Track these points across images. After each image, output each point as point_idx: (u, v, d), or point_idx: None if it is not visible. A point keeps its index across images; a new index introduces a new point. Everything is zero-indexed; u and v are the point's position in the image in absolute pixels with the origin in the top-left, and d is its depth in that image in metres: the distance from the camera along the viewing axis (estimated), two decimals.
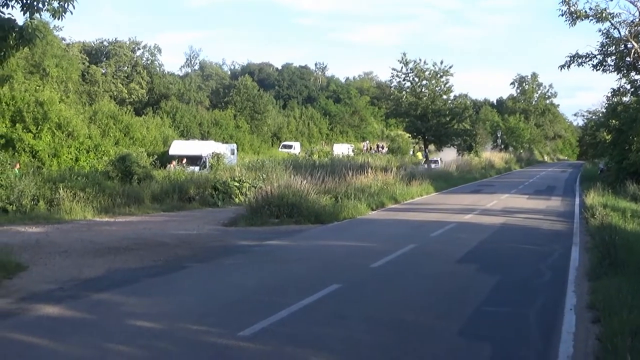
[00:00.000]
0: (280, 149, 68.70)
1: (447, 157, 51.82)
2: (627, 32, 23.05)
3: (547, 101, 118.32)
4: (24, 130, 37.07)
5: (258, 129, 75.21)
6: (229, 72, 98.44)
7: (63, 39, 67.65)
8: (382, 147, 77.22)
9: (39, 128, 37.56)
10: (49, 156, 36.91)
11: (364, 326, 8.74)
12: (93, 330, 8.59)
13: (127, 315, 9.21)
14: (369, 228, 20.53)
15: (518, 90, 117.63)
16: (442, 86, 48.50)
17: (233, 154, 49.38)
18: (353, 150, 68.85)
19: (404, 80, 48.63)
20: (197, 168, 38.62)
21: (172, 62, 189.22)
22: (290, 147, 68.91)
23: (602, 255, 13.26)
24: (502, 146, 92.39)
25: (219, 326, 8.55)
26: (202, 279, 12.33)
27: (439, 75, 48.08)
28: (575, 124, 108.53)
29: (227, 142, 55.49)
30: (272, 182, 23.57)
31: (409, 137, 51.22)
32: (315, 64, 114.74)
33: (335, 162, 40.08)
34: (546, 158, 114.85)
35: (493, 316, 9.47)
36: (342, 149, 66.29)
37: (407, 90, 48.47)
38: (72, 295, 10.53)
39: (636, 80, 27.49)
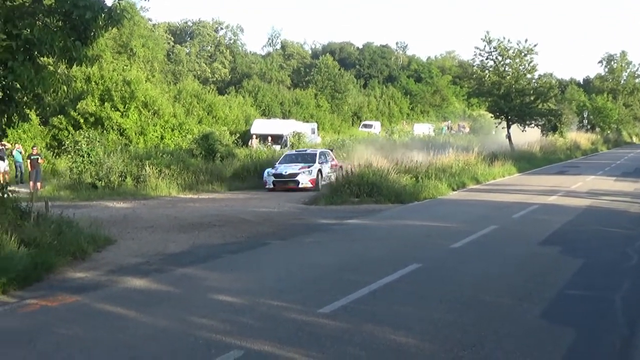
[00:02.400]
0: (360, 129, 68.59)
1: (531, 137, 50.68)
2: None
3: (637, 80, 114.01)
4: (112, 108, 38.21)
5: (338, 108, 75.30)
6: (310, 52, 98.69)
7: (149, 19, 69.23)
8: (464, 127, 76.17)
9: (126, 107, 38.64)
10: (135, 134, 37.97)
11: (443, 306, 8.69)
12: (177, 303, 8.85)
13: (209, 290, 9.44)
14: (449, 208, 20.33)
15: (606, 69, 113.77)
16: (526, 65, 47.36)
17: (314, 133, 49.62)
18: (434, 130, 68.16)
19: (486, 59, 47.71)
20: (278, 147, 39.02)
21: (254, 42, 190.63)
22: (370, 126, 68.71)
23: None
24: (589, 127, 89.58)
25: (299, 303, 8.66)
26: (283, 256, 12.49)
27: (523, 54, 46.95)
28: None
29: (307, 121, 55.79)
30: (352, 162, 23.60)
31: (491, 117, 50.15)
32: (397, 43, 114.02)
33: (415, 142, 39.78)
34: (635, 139, 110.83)
35: (576, 300, 9.25)
36: (422, 129, 65.71)
37: (490, 69, 47.55)
38: (158, 269, 10.86)
39: None
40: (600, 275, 10.81)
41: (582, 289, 9.86)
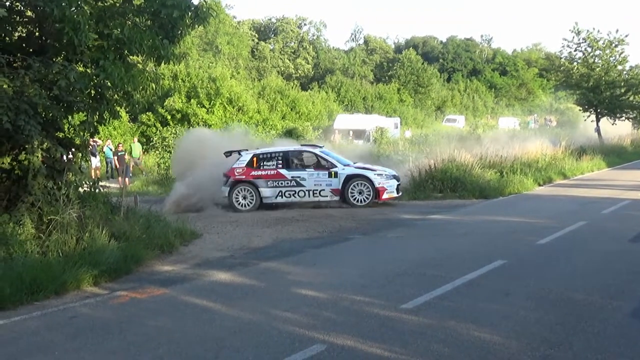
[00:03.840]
0: (444, 123, 67.86)
1: (621, 130, 49.03)
2: None
3: None
4: (198, 105, 39.02)
5: (422, 103, 74.73)
6: (393, 46, 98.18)
7: (234, 17, 70.30)
8: (551, 121, 74.34)
9: (211, 103, 39.40)
10: (221, 130, 38.67)
11: (529, 303, 8.50)
12: (261, 296, 8.97)
13: (292, 284, 9.53)
14: (535, 204, 19.87)
15: None
16: (617, 56, 45.85)
17: (397, 127, 49.38)
18: (519, 124, 66.75)
19: (575, 50, 46.41)
20: (361, 142, 39.00)
21: (337, 37, 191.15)
22: (454, 120, 67.88)
23: None
24: None
25: (381, 298, 8.64)
26: (365, 251, 12.49)
27: (613, 45, 45.46)
28: None
29: (390, 116, 55.54)
30: (436, 156, 23.37)
31: (579, 110, 48.73)
32: (481, 36, 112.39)
33: (501, 136, 39.06)
34: None
35: None
36: (508, 123, 64.45)
37: (579, 61, 46.24)
38: (242, 263, 11.04)
39: None
40: None
41: None
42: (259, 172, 19.29)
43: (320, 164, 19.59)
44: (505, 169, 24.80)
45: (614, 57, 45.80)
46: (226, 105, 39.88)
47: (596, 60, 45.70)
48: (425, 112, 73.29)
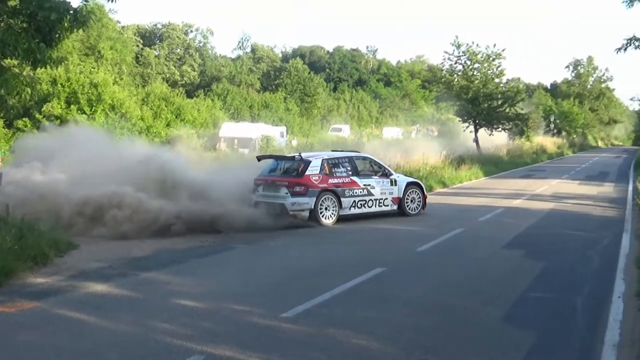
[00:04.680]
0: (329, 132, 68.66)
1: (498, 141, 51.16)
2: None
3: (603, 85, 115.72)
4: (79, 111, 37.86)
5: (308, 112, 75.35)
6: (280, 55, 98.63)
7: (118, 21, 68.68)
8: (432, 131, 76.59)
9: (93, 109, 38.32)
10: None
11: (407, 310, 8.71)
12: (139, 308, 8.76)
13: (172, 294, 9.36)
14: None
15: (573, 74, 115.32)
16: (494, 69, 47.79)
17: (283, 136, 49.59)
18: (403, 134, 68.45)
19: (455, 63, 48.06)
20: (246, 150, 38.92)
21: (224, 45, 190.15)
22: (339, 130, 68.80)
23: None
24: (555, 131, 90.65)
25: (262, 307, 8.62)
26: (248, 260, 12.45)
27: (491, 59, 47.35)
28: (631, 108, 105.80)
29: (277, 125, 55.72)
30: None
31: (459, 121, 50.43)
32: (367, 47, 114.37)
33: (384, 145, 39.91)
34: (600, 143, 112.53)
35: (538, 302, 9.33)
36: (391, 133, 65.99)
37: (459, 73, 47.88)
38: (121, 274, 10.75)
39: None
40: (561, 278, 10.92)
41: (543, 291, 9.95)
42: (336, 180, 17.26)
43: (384, 172, 18.58)
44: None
45: (491, 71, 47.71)
46: (108, 112, 38.88)
47: (475, 73, 47.46)
48: (311, 121, 73.94)
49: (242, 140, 42.07)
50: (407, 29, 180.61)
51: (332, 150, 20.28)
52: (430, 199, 21.03)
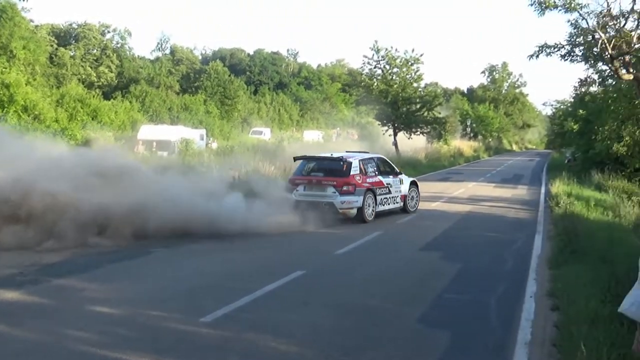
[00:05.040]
0: (250, 135, 68.44)
1: (417, 144, 52.03)
2: (594, 23, 23.14)
3: (517, 90, 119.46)
4: None
5: (228, 115, 74.88)
6: (200, 57, 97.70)
7: (31, 20, 66.49)
8: (353, 135, 77.26)
9: (4, 111, 37.03)
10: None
11: (326, 312, 8.76)
12: (52, 315, 8.50)
13: (87, 301, 9.13)
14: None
15: (488, 79, 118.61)
16: (413, 74, 48.64)
17: (202, 139, 49.14)
18: (323, 137, 68.82)
19: (375, 67, 48.67)
20: (165, 153, 38.39)
21: (142, 46, 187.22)
22: (260, 132, 68.65)
23: (564, 244, 13.50)
24: (472, 135, 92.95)
25: (180, 312, 8.51)
26: (166, 264, 12.23)
27: (409, 63, 48.17)
28: (544, 113, 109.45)
29: (196, 128, 55.18)
30: (240, 169, 23.52)
31: (378, 124, 51.04)
32: (287, 50, 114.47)
33: (305, 148, 40.01)
34: (514, 147, 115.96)
35: (454, 303, 9.54)
36: (312, 136, 66.27)
37: (378, 77, 48.45)
38: (32, 280, 10.40)
39: (603, 71, 27.63)
40: (477, 278, 11.20)
41: (459, 292, 10.18)
42: (370, 180, 18.29)
43: (394, 171, 19.84)
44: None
45: (410, 75, 48.57)
46: (21, 114, 37.64)
47: (394, 78, 48.19)
48: (231, 124, 73.50)
49: (161, 143, 41.41)
50: (328, 33, 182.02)
51: (347, 152, 21.10)
52: None
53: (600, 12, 22.92)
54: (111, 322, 8.14)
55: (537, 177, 41.70)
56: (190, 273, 11.29)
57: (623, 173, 28.91)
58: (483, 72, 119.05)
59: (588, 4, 23.05)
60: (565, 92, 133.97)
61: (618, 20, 22.78)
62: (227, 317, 8.37)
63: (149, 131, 45.34)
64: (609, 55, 22.13)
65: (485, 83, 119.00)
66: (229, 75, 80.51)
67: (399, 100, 47.34)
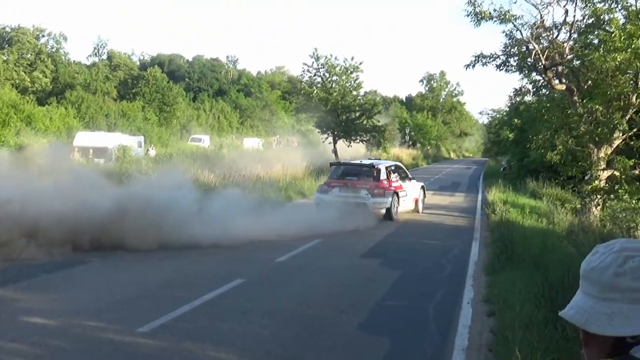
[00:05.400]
0: (189, 142, 67.82)
1: (356, 152, 52.31)
2: (528, 34, 23.69)
3: (454, 99, 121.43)
4: None
5: (167, 122, 74.14)
6: (138, 63, 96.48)
7: None
8: (293, 142, 77.36)
9: None
10: None
11: (266, 321, 8.74)
12: None
13: (20, 312, 8.90)
14: (274, 222, 20.45)
15: (426, 88, 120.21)
16: (352, 82, 48.89)
17: (140, 146, 48.51)
18: (263, 145, 68.71)
19: (314, 75, 48.77)
20: (102, 160, 37.73)
21: (78, 51, 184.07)
22: (199, 140, 68.08)
23: (500, 250, 13.76)
24: (410, 143, 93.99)
25: (117, 322, 8.38)
26: (103, 274, 12.01)
27: (349, 71, 48.42)
28: (480, 122, 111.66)
29: (134, 134, 54.43)
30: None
31: (318, 132, 51.14)
32: (227, 57, 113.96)
33: (244, 156, 39.88)
34: (452, 155, 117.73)
35: (393, 310, 9.64)
36: (252, 143, 66.07)
37: (318, 85, 48.61)
38: None
39: (537, 81, 28.31)
40: (415, 285, 11.33)
41: (399, 299, 10.29)
42: (395, 184, 21.02)
43: (408, 176, 22.93)
44: (248, 189, 25.31)
45: (349, 83, 48.79)
46: None
47: (334, 85, 48.35)
48: (170, 131, 72.78)
49: (98, 150, 40.67)
50: (268, 40, 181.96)
51: (369, 159, 26.03)
52: (291, 208, 21.26)
53: (534, 24, 23.49)
54: (46, 333, 7.96)
55: (474, 184, 42.45)
56: (127, 283, 11.11)
57: (557, 181, 29.62)
58: (421, 80, 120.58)
59: (522, 16, 23.71)
60: (501, 102, 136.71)
61: (551, 32, 23.40)
62: (165, 326, 8.27)
63: (85, 138, 44.49)
64: (542, 66, 22.67)
65: (424, 92, 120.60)
66: (168, 82, 79.73)
67: (339, 108, 47.53)
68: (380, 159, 24.57)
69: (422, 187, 23.92)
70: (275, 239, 15.86)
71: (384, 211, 20.43)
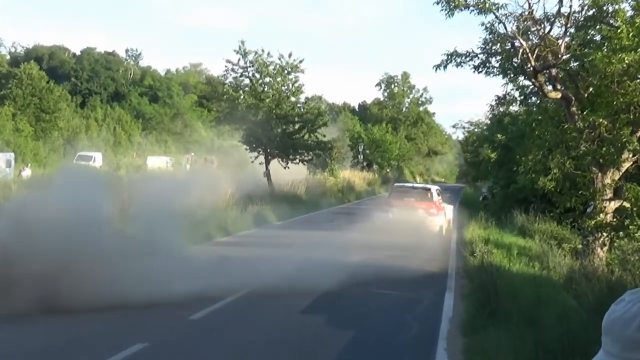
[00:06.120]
0: (75, 161, 66.95)
1: (296, 175, 52.31)
2: (514, 28, 23.90)
3: (421, 108, 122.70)
4: None
5: (46, 134, 73.18)
6: (8, 57, 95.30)
7: None
8: (212, 162, 76.96)
9: None
10: None
11: None
12: None
13: None
14: (187, 270, 20.20)
15: (385, 94, 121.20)
16: (290, 85, 48.82)
17: (10, 165, 47.73)
18: (172, 164, 68.27)
19: (241, 76, 48.57)
20: None
21: None
22: (89, 158, 67.20)
23: (481, 303, 13.86)
24: (365, 163, 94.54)
25: None
26: None
27: (286, 72, 48.34)
28: (454, 137, 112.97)
29: (2, 151, 53.58)
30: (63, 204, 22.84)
31: (246, 149, 50.77)
32: (126, 51, 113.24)
33: (148, 180, 39.47)
34: (418, 179, 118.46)
35: None
36: (158, 163, 65.60)
37: (246, 89, 48.41)
38: None
39: (525, 87, 28.52)
40: (373, 350, 11.32)
41: None
42: (442, 205, 31.31)
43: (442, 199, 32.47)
44: (150, 224, 24.90)
45: (286, 87, 48.75)
46: None
47: (266, 89, 48.25)
48: (50, 146, 71.85)
49: None
50: (180, 30, 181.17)
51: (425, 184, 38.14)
52: (211, 250, 21.10)
53: (521, 15, 23.64)
54: None
55: None
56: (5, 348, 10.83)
57: (551, 214, 30.05)
58: (379, 84, 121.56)
59: (506, 5, 23.80)
60: (481, 112, 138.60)
61: (542, 25, 23.54)
62: None
63: None
64: (531, 68, 22.89)
65: (382, 98, 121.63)
66: (48, 82, 78.84)
67: (273, 119, 47.46)
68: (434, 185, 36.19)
69: (452, 210, 33.31)
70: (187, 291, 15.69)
71: (437, 228, 28.81)
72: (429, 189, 32.30)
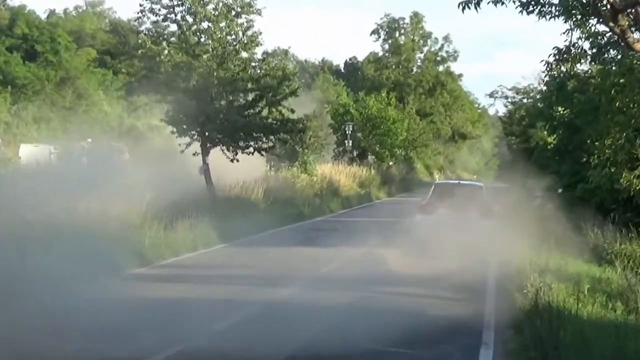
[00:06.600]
0: None
1: (249, 172, 52.10)
2: None
3: (440, 68, 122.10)
4: None
5: None
6: None
7: None
8: (121, 152, 76.81)
9: None
10: None
11: None
12: None
13: None
14: (85, 319, 20.09)
15: (386, 46, 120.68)
16: (241, 34, 48.62)
17: None
18: (57, 155, 68.22)
19: (165, 20, 48.31)
20: None
21: None
22: None
23: None
24: (355, 153, 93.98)
25: None
26: None
27: (233, 13, 48.08)
28: (491, 112, 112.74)
29: None
30: None
31: (173, 132, 50.21)
32: None
33: (20, 178, 39.41)
34: (437, 177, 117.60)
35: None
36: (37, 153, 65.56)
37: (172, 40, 48.14)
38: None
39: (599, 35, 28.37)
40: None
41: None
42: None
43: None
44: (22, 247, 24.70)
45: (234, 36, 48.62)
46: None
47: (203, 40, 48.11)
48: None
49: None
50: None
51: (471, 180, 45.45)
52: (117, 289, 21.12)
53: None
54: None
55: None
56: None
57: None
58: (376, 31, 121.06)
59: None
60: (532, 74, 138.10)
61: None
62: None
63: None
64: (609, 6, 22.90)
65: (381, 53, 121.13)
66: None
67: (213, 85, 47.25)
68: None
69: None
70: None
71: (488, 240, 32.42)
72: (480, 187, 38.55)
